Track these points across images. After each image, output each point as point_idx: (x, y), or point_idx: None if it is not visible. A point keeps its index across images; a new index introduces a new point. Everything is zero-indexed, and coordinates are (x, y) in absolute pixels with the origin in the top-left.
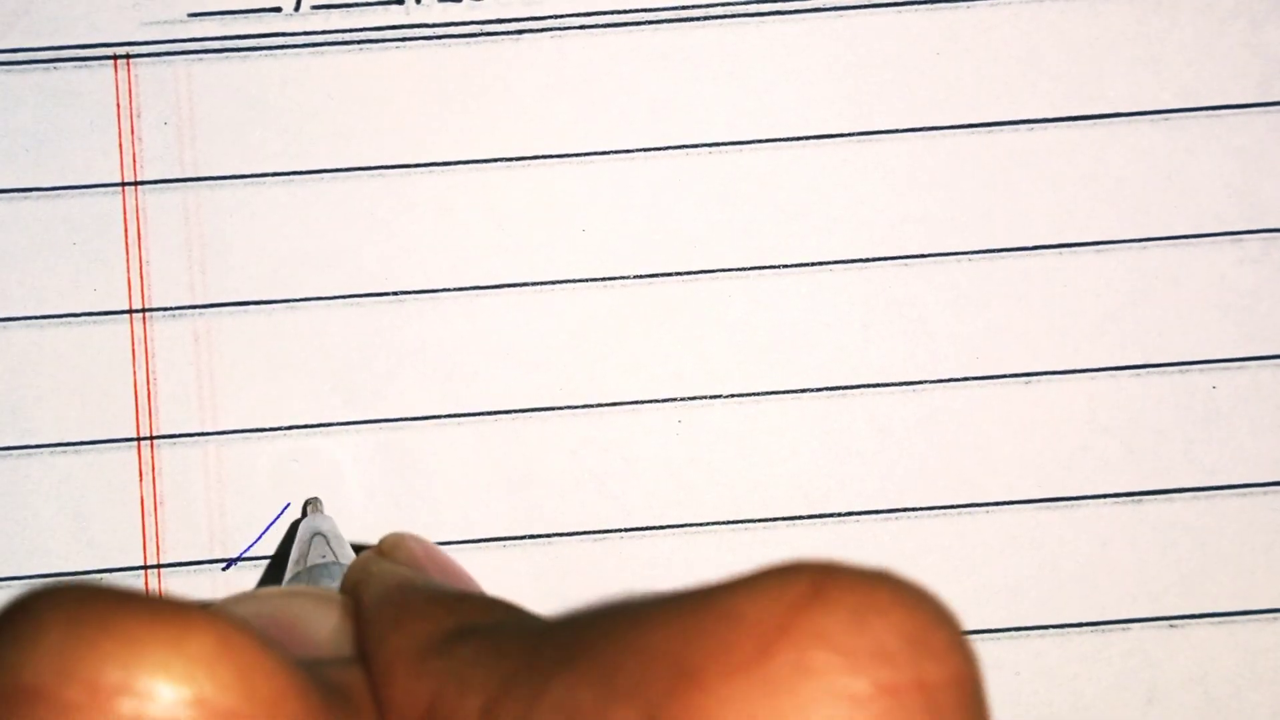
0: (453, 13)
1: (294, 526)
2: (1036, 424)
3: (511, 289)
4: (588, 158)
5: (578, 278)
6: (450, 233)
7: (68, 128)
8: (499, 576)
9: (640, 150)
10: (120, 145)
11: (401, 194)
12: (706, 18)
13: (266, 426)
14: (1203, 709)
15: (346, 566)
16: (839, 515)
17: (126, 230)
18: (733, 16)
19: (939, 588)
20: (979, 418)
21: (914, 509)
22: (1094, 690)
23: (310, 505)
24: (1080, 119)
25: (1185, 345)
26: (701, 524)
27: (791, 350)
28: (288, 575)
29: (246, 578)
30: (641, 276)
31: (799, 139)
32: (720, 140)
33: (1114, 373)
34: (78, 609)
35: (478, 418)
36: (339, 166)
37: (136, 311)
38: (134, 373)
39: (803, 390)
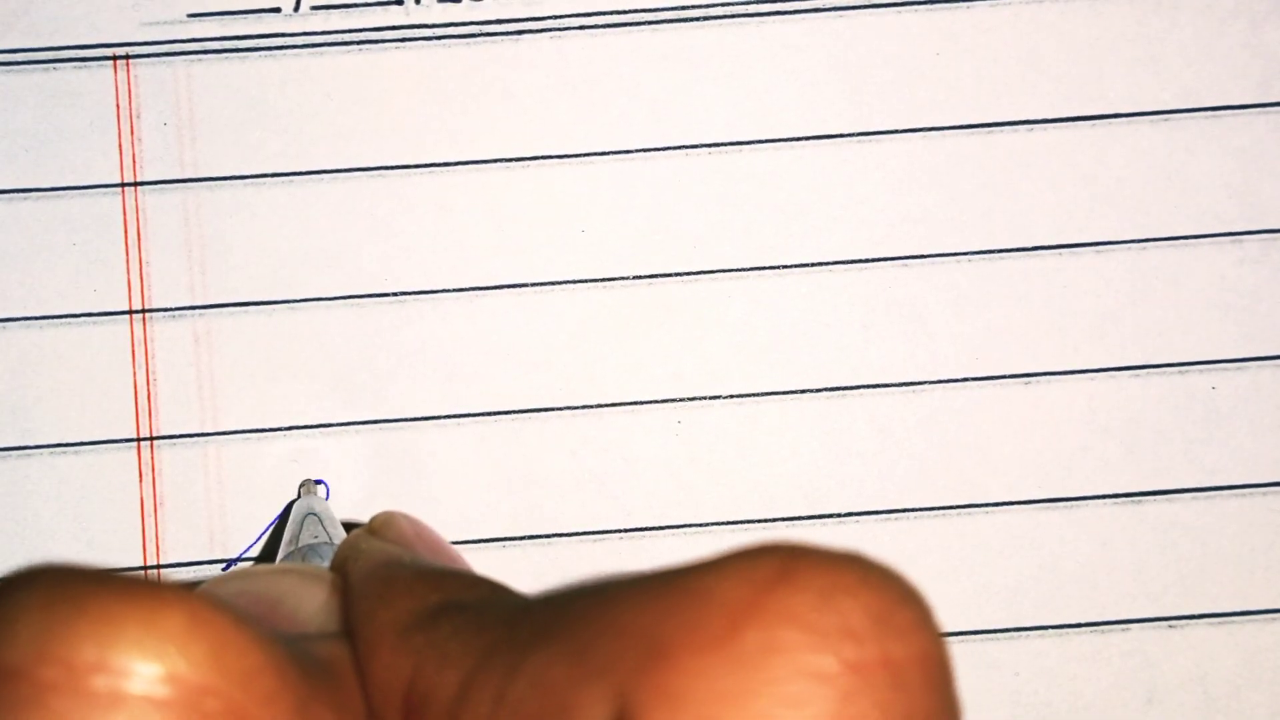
0: (452, 13)
1: (288, 507)
2: (1036, 424)
3: (511, 289)
4: (588, 158)
5: (577, 278)
6: (450, 233)
7: (67, 128)
8: (499, 577)
9: (640, 151)
10: (120, 146)
11: (401, 194)
12: (706, 18)
13: (266, 427)
14: (1202, 709)
15: (334, 546)
16: (839, 516)
17: (126, 231)
18: (733, 16)
19: (939, 588)
20: (979, 418)
21: (914, 509)
22: (1093, 690)
23: (304, 486)
24: (1080, 119)
25: (1185, 346)
26: (701, 524)
27: (791, 351)
28: (280, 554)
29: None
30: (641, 277)
31: (799, 139)
32: (720, 140)
33: (1114, 373)
34: (53, 590)
35: (478, 418)
36: (339, 167)
37: (136, 312)
38: (134, 373)
39: (802, 391)
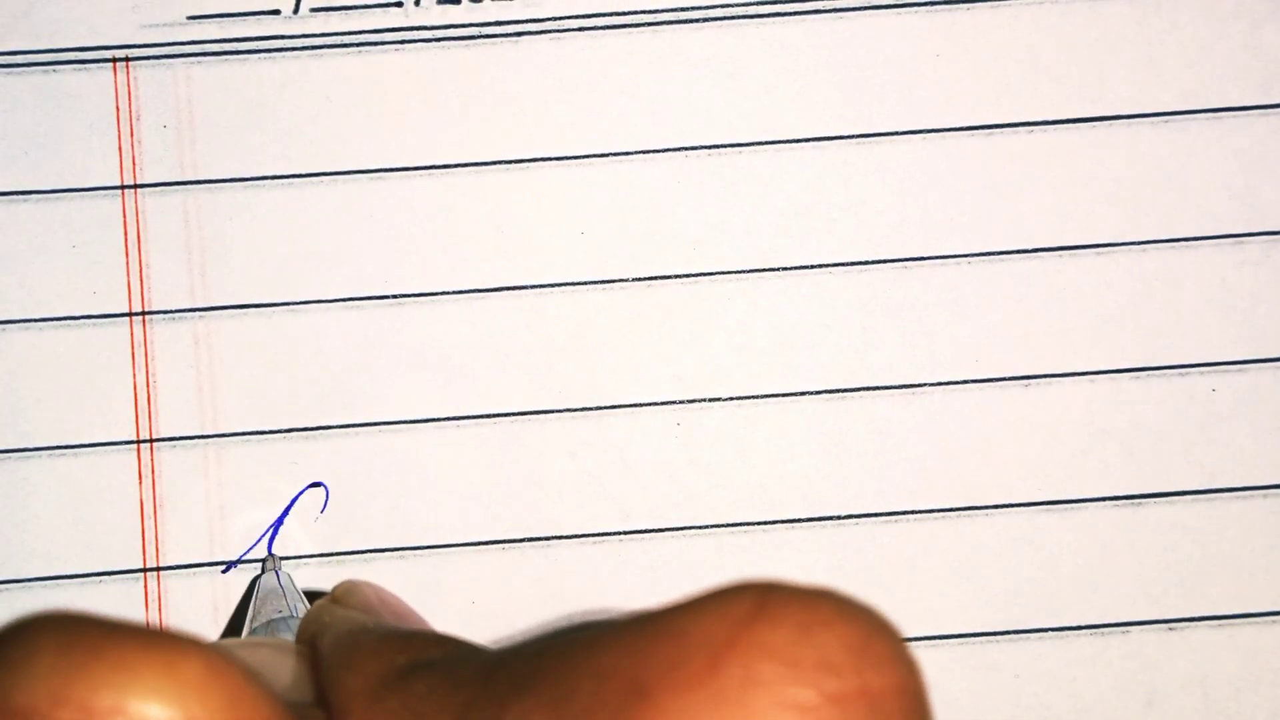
0: (452, 15)
1: (251, 583)
2: (1036, 426)
3: (511, 291)
4: (587, 160)
5: (577, 280)
6: (449, 235)
7: (67, 130)
8: (498, 580)
9: (639, 152)
10: (120, 148)
11: (401, 197)
12: (706, 19)
13: (266, 429)
14: (1202, 711)
15: (299, 620)
16: (838, 518)
17: (126, 233)
18: (732, 18)
19: (939, 590)
20: (978, 420)
21: (913, 511)
22: (1093, 693)
23: (267, 561)
24: (1080, 121)
25: (1185, 348)
26: (700, 526)
27: (790, 353)
28: (245, 630)
29: (246, 580)
30: (641, 279)
31: (798, 141)
32: (720, 142)
33: (1114, 375)
34: (71, 634)
35: (477, 420)
36: (338, 169)
37: (136, 314)
38: (134, 375)
39: (802, 393)
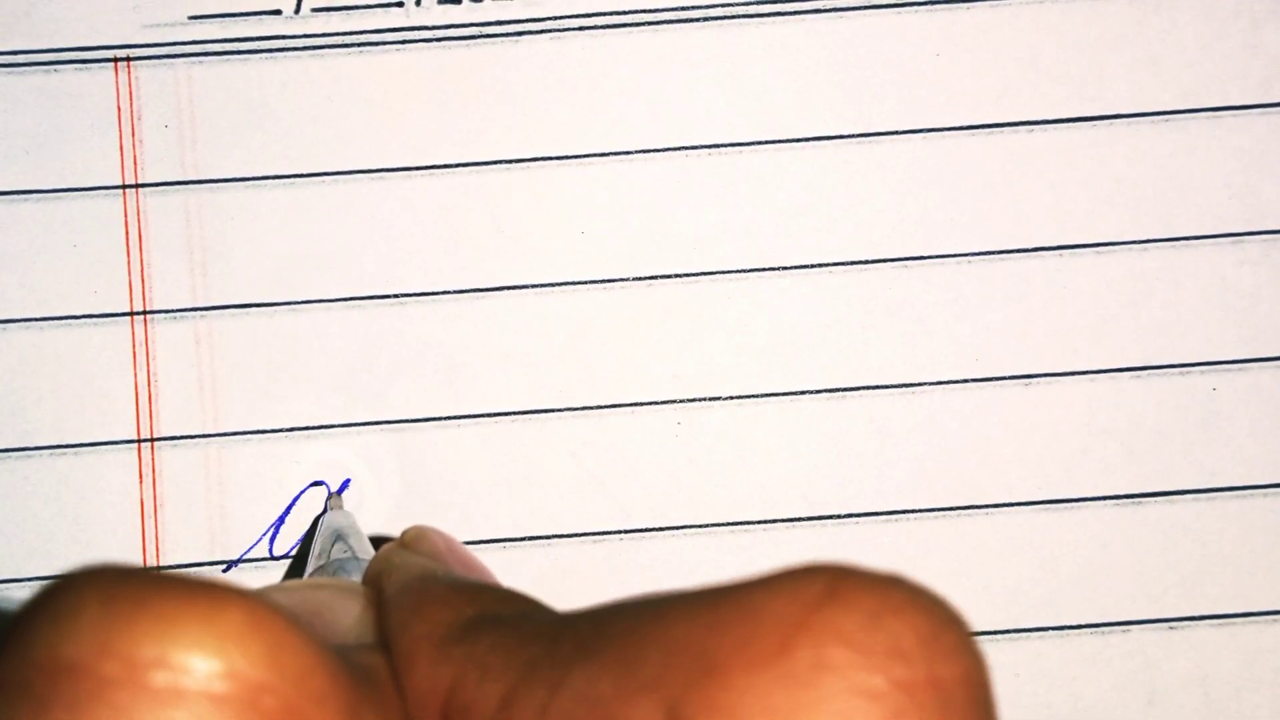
0: (452, 15)
1: (314, 523)
2: (1036, 426)
3: (511, 291)
4: (587, 159)
5: (577, 280)
6: (450, 235)
7: (68, 130)
8: (499, 578)
9: (639, 152)
10: (121, 148)
11: (402, 196)
12: (706, 19)
13: (267, 429)
14: (1203, 711)
15: (366, 561)
16: (838, 517)
17: (127, 232)
18: (732, 17)
19: (939, 589)
20: (978, 419)
21: (913, 511)
22: (1094, 692)
23: (330, 501)
24: (1080, 120)
25: (1185, 347)
26: (701, 525)
27: (791, 352)
28: (309, 570)
29: (247, 580)
30: (641, 278)
31: (798, 140)
32: (720, 141)
33: (1114, 374)
34: (114, 587)
35: (478, 419)
36: (339, 169)
37: (137, 314)
38: (135, 375)
39: (802, 392)
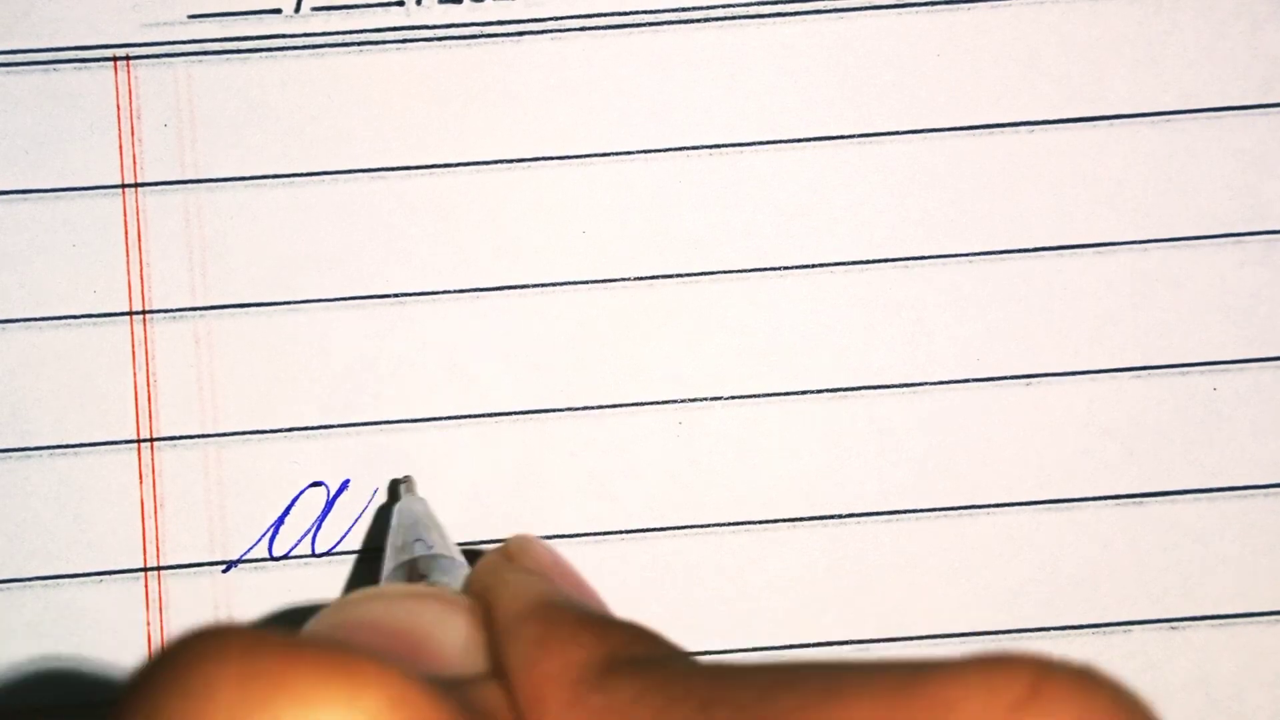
0: (453, 14)
1: (382, 509)
2: (1037, 426)
3: (512, 291)
4: (588, 159)
5: (578, 280)
6: (451, 234)
7: (68, 129)
8: None
9: (640, 152)
10: (120, 147)
11: (402, 196)
12: (706, 19)
13: (267, 429)
14: (1204, 711)
15: (451, 559)
16: (839, 517)
17: (127, 232)
18: (733, 18)
19: (939, 589)
20: (979, 419)
21: (914, 511)
22: None
23: (404, 484)
24: (1081, 121)
25: (1186, 347)
26: (702, 526)
27: (791, 352)
28: (388, 565)
29: (248, 580)
30: (642, 278)
31: (799, 140)
32: (720, 142)
33: (1114, 374)
34: (249, 662)
35: (478, 419)
36: (339, 168)
37: (137, 313)
38: (134, 375)
39: (803, 392)
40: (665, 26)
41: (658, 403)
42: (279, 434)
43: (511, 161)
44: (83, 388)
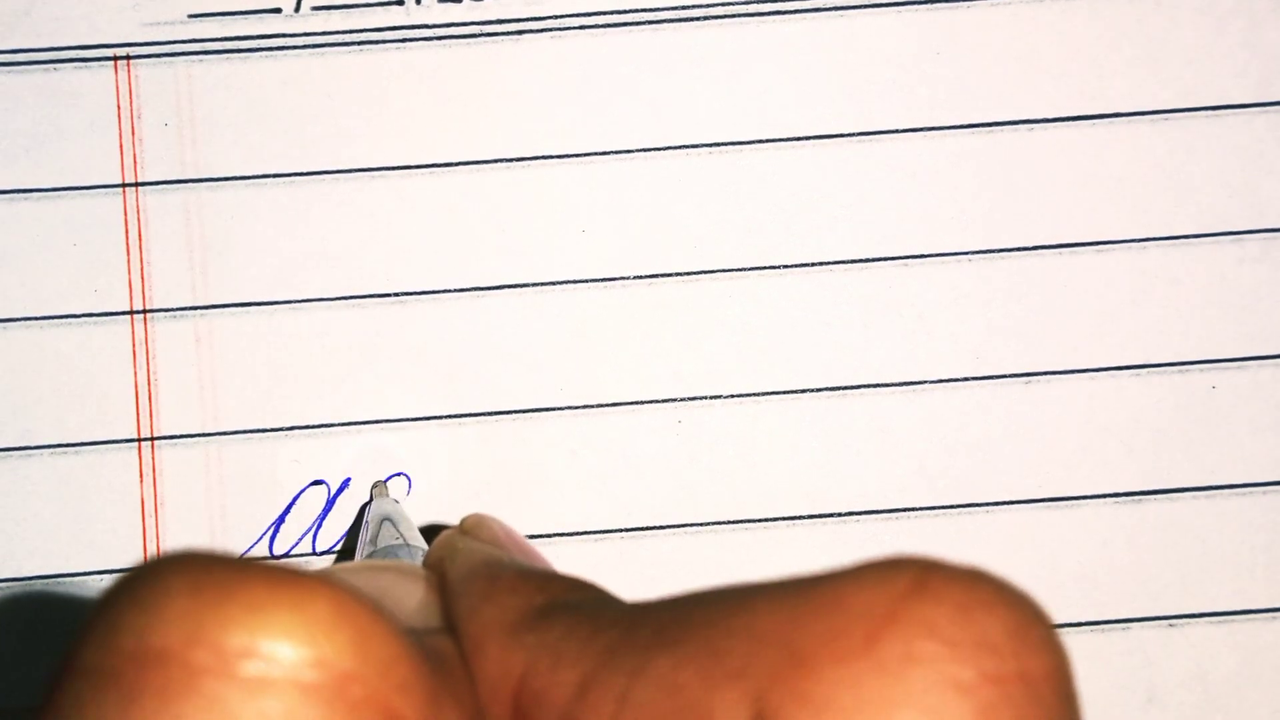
0: (453, 13)
1: (360, 512)
2: (1036, 424)
3: (512, 290)
4: (588, 158)
5: (578, 278)
6: (451, 233)
7: (68, 128)
8: None
9: (640, 150)
10: (121, 146)
11: (402, 195)
12: (706, 18)
13: (267, 427)
14: (1202, 708)
15: (415, 548)
16: (839, 515)
17: (127, 231)
18: (733, 16)
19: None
20: (979, 417)
21: (914, 509)
22: (1093, 689)
23: (376, 489)
24: (1080, 119)
25: (1185, 345)
26: (701, 524)
27: (791, 350)
28: (359, 555)
29: None
30: (642, 277)
31: (799, 139)
32: (720, 140)
33: (1114, 373)
34: (201, 575)
35: (479, 418)
36: (340, 167)
37: (137, 312)
38: (135, 374)
39: (803, 390)
40: (664, 26)
41: (657, 401)
42: (279, 433)
43: (511, 160)
44: (83, 387)
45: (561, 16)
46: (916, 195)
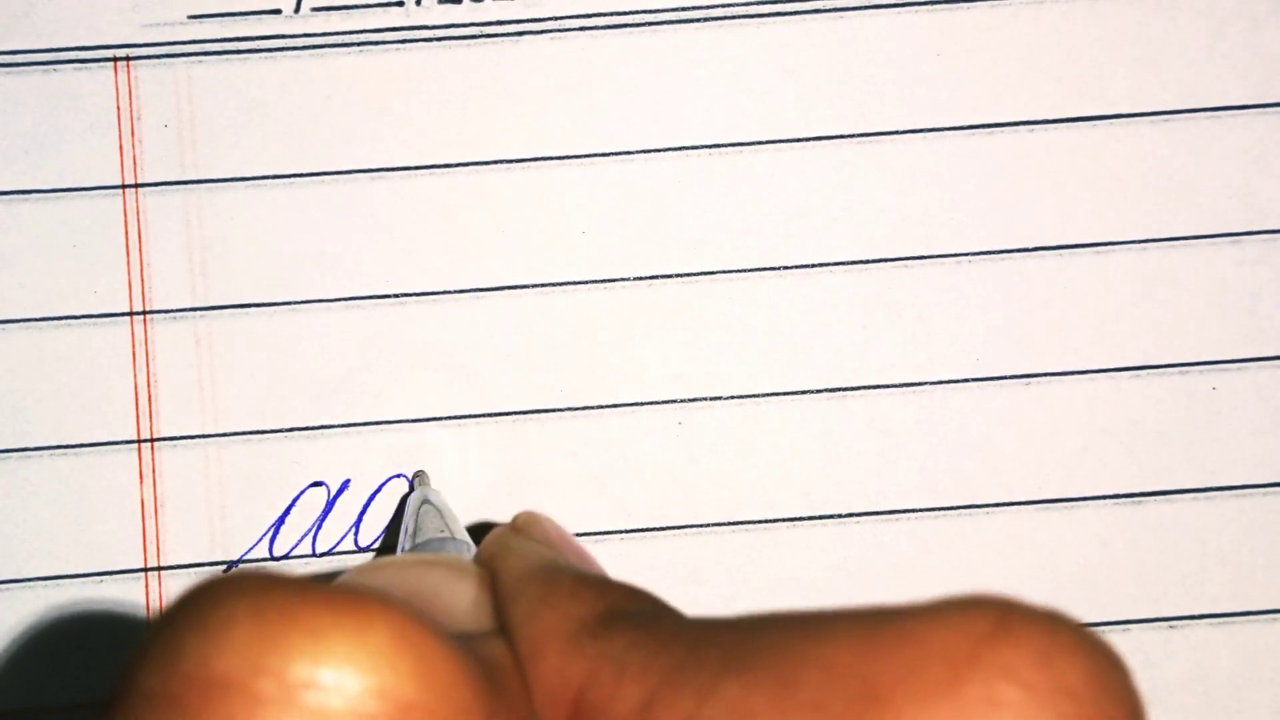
0: (453, 14)
1: (402, 500)
2: (1036, 425)
3: (512, 291)
4: (588, 159)
5: (578, 279)
6: (451, 234)
7: (68, 130)
8: None
9: (640, 152)
10: (120, 147)
11: (402, 196)
12: (706, 19)
13: (267, 429)
14: (1202, 709)
15: (461, 541)
16: (839, 516)
17: (127, 232)
18: (733, 18)
19: (939, 588)
20: (979, 419)
21: (914, 510)
22: None
23: (417, 478)
24: (1080, 120)
25: (1185, 346)
26: (701, 525)
27: (791, 351)
28: (402, 547)
29: None
30: (642, 278)
31: (799, 140)
32: (720, 141)
33: (1114, 374)
34: (263, 599)
35: (479, 419)
36: (339, 169)
37: (137, 314)
38: (134, 375)
39: (803, 392)
40: (664, 26)
41: (658, 403)
42: (279, 434)
43: (511, 161)
44: (83, 388)
45: (561, 18)
46: (916, 196)
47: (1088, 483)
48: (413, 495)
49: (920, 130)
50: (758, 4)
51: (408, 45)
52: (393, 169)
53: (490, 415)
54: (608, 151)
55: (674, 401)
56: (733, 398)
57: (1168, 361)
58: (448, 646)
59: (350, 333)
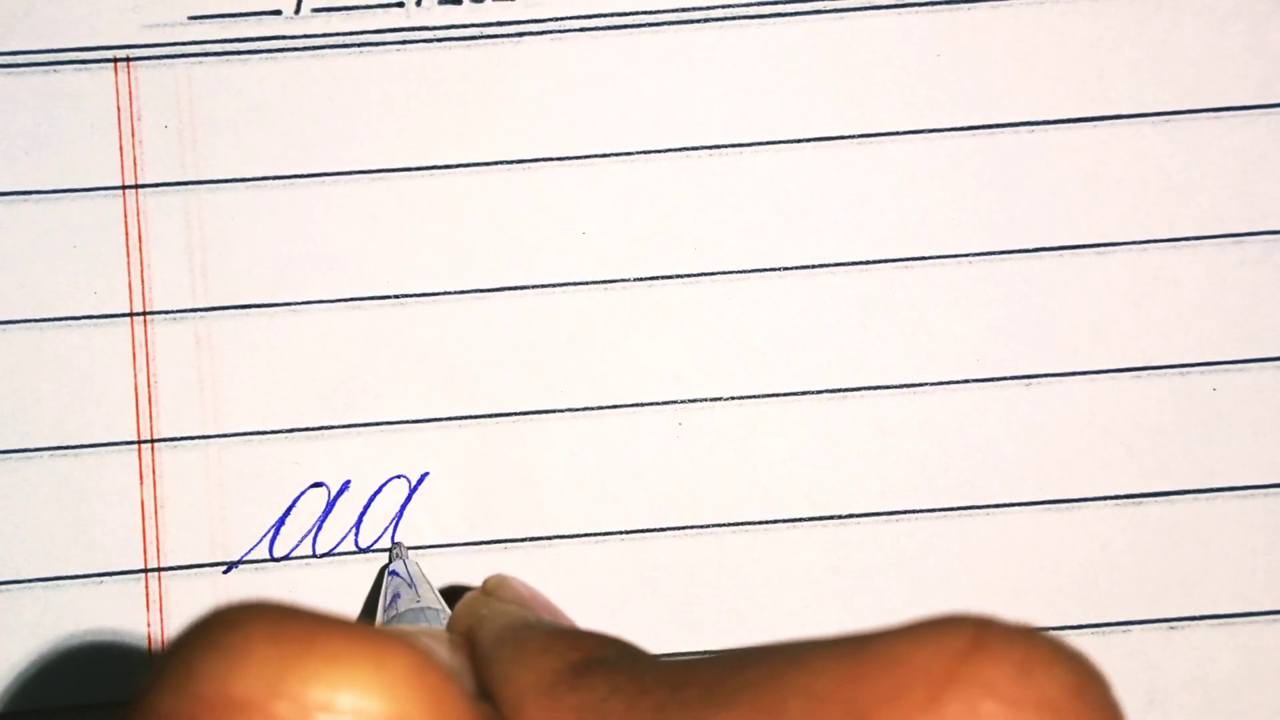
0: (453, 15)
1: (380, 572)
2: (1037, 426)
3: (512, 291)
4: (588, 160)
5: (578, 280)
6: (451, 235)
7: (68, 130)
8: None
9: (640, 152)
10: (121, 148)
11: (402, 197)
12: (706, 20)
13: (267, 429)
14: (1203, 710)
15: (436, 609)
16: (840, 517)
17: (127, 233)
18: (733, 18)
19: (939, 589)
20: (979, 419)
21: (914, 511)
22: None
23: (394, 550)
24: (1081, 120)
25: (1186, 347)
26: (702, 526)
27: (792, 352)
28: (379, 619)
29: (248, 581)
30: (642, 279)
31: (799, 141)
32: (720, 142)
33: (1114, 374)
34: (280, 626)
35: (479, 420)
36: (340, 169)
37: (137, 314)
38: (135, 375)
39: (803, 392)
40: (664, 26)
41: (658, 403)
42: (279, 434)
43: (511, 162)
44: (83, 388)
45: (562, 19)
46: (917, 197)
47: (1088, 483)
48: (390, 568)
49: (920, 130)
50: (758, 4)
51: (408, 46)
52: (393, 169)
53: (490, 416)
54: (608, 152)
55: (674, 402)
56: (733, 398)
57: (1168, 362)
58: (459, 685)
59: (350, 333)
